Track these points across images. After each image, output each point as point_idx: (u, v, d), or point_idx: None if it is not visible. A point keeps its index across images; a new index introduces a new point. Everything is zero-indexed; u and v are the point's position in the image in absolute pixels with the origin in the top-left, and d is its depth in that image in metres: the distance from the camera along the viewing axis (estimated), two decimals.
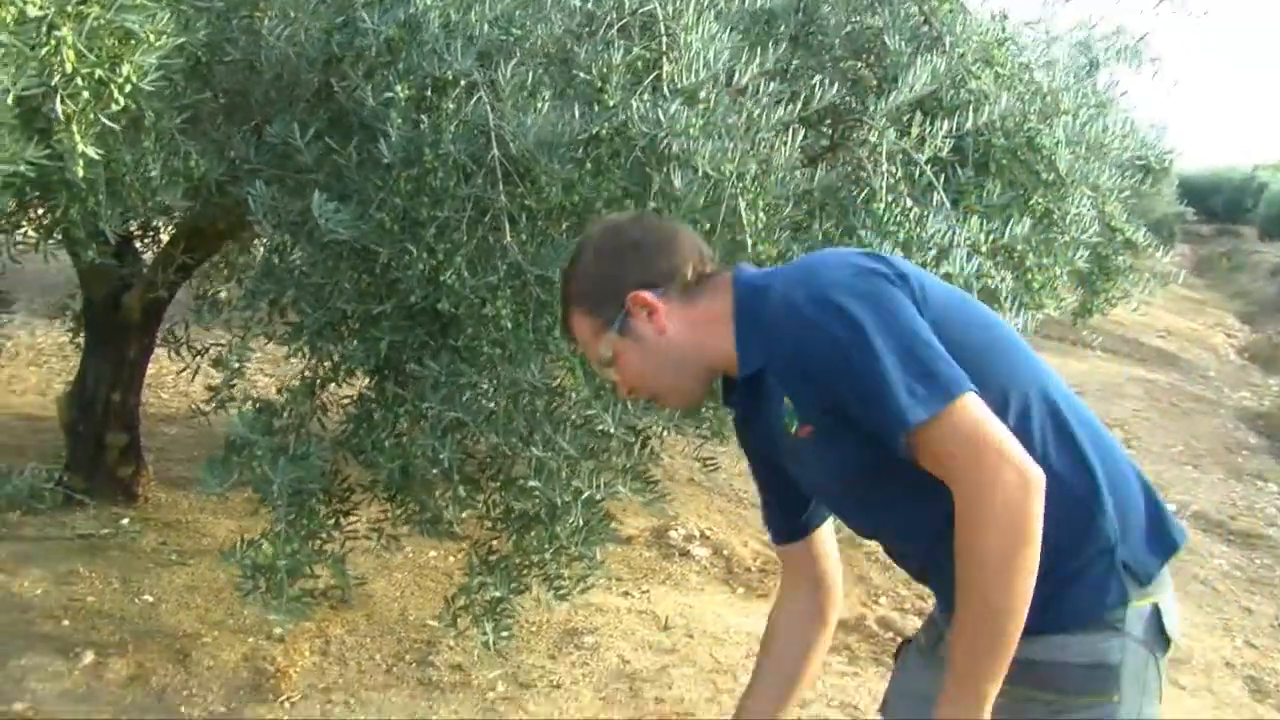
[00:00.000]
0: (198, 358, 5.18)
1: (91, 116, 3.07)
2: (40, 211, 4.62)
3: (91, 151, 3.09)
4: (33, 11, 2.78)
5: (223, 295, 5.27)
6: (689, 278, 2.27)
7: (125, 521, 5.57)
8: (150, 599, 4.90)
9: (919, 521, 2.15)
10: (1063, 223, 4.42)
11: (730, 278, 2.26)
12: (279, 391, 4.07)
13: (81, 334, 6.07)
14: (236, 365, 4.14)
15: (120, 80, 3.00)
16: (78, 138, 3.03)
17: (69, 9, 2.86)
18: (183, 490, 6.11)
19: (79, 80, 2.90)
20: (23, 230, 4.98)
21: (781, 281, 2.17)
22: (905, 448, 1.99)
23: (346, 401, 4.22)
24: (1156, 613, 2.14)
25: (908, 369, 1.97)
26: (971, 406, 1.96)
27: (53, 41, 2.79)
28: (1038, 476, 1.92)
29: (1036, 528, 1.90)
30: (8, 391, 7.68)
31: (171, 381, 7.64)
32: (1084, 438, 2.15)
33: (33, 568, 5.03)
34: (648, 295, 2.24)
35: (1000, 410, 2.02)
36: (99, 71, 2.95)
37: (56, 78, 2.85)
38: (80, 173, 3.13)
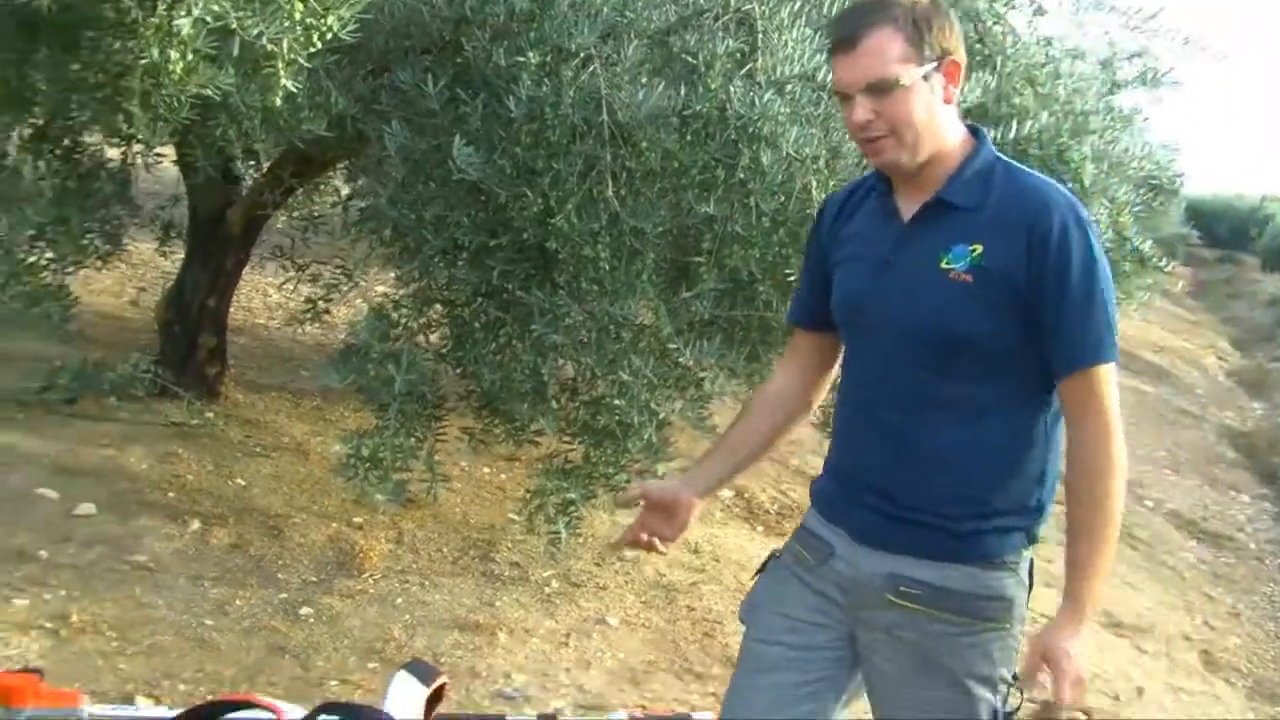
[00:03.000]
0: (300, 271, 5.79)
1: (291, 57, 3.68)
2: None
3: (292, 85, 3.70)
4: None
5: (329, 216, 5.83)
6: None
7: (210, 415, 6.16)
8: (242, 482, 5.53)
9: (957, 422, 2.43)
10: None
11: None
12: (393, 305, 4.66)
13: (169, 242, 6.70)
14: (349, 281, 4.76)
15: (324, 28, 3.61)
16: (282, 74, 3.64)
17: None
18: (257, 393, 6.75)
19: (297, 27, 3.51)
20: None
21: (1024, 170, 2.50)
22: (1063, 370, 2.36)
23: (444, 320, 4.81)
24: (1032, 562, 2.52)
25: (1115, 312, 2.37)
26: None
27: None
28: None
29: None
30: (85, 290, 8.26)
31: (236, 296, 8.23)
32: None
33: (136, 446, 5.65)
34: (960, 69, 2.43)
35: None
36: (309, 20, 3.56)
37: (286, 23, 3.45)
38: (278, 102, 3.74)
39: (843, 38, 2.38)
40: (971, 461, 2.43)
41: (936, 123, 2.40)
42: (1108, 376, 2.36)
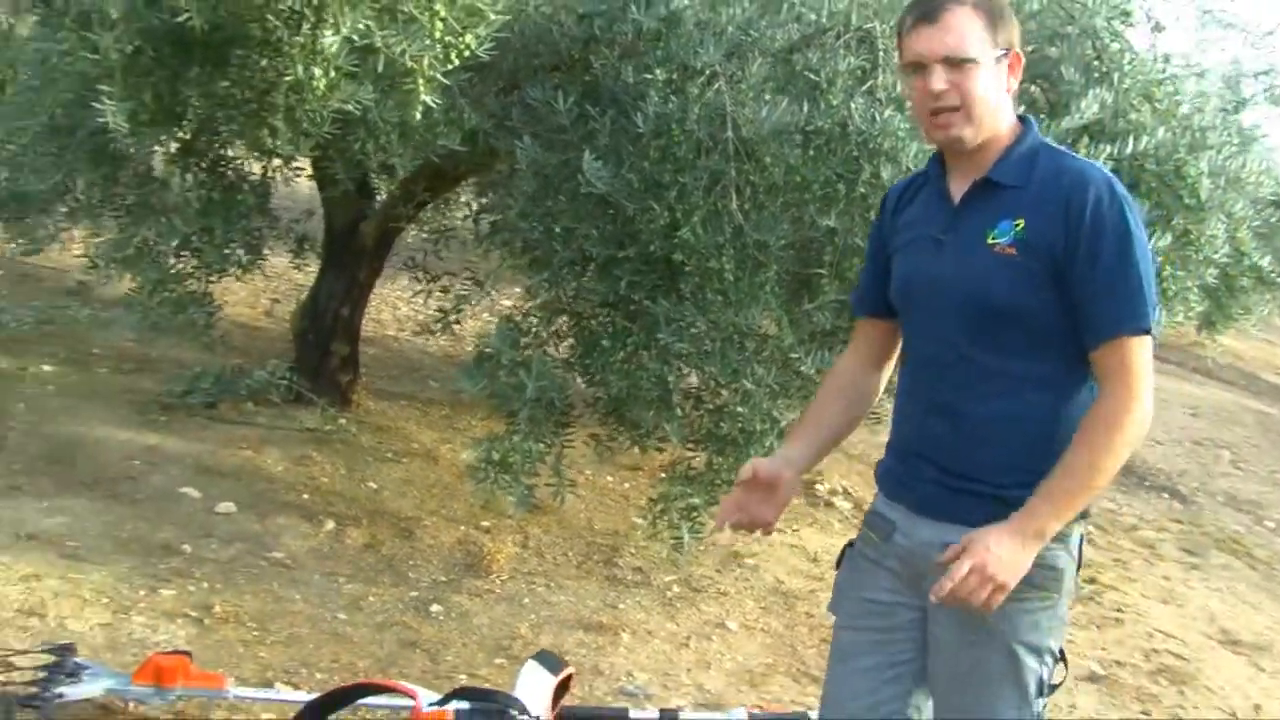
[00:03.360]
0: (432, 282, 5.99)
1: (430, 74, 3.86)
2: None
3: (430, 101, 3.87)
4: None
5: (460, 229, 6.02)
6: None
7: (343, 421, 6.35)
8: (374, 486, 5.72)
9: (1002, 394, 2.52)
10: (1198, 242, 5.08)
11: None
12: (523, 315, 4.82)
13: (303, 254, 6.92)
14: (480, 292, 4.93)
15: (461, 46, 3.78)
16: (422, 90, 3.82)
17: None
18: (387, 401, 6.96)
19: (437, 45, 3.68)
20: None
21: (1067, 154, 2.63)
22: (1092, 340, 2.43)
23: (572, 330, 4.97)
24: (1081, 538, 2.59)
25: (1151, 286, 2.43)
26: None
27: (428, 13, 3.56)
28: None
29: None
30: (222, 300, 8.53)
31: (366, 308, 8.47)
32: None
33: (272, 449, 5.89)
34: (1021, 64, 2.58)
35: None
36: (448, 38, 3.73)
37: (426, 41, 3.62)
38: (416, 117, 3.91)
39: (926, 12, 2.51)
40: (1018, 432, 2.52)
41: (998, 106, 2.53)
42: (1140, 349, 2.43)
